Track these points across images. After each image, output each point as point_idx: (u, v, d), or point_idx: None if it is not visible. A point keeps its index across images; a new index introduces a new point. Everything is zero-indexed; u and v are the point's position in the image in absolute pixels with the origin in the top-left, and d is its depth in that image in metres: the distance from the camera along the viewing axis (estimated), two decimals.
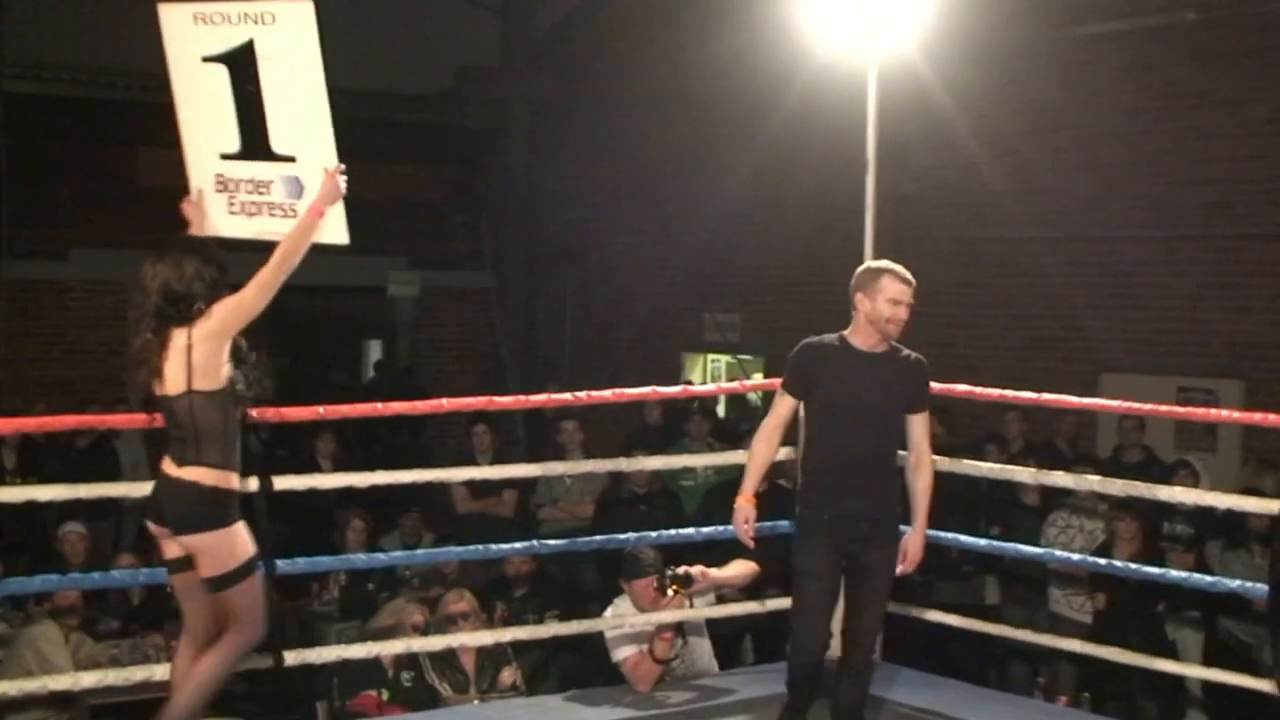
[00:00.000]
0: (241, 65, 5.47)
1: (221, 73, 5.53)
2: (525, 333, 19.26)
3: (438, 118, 18.82)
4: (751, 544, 6.25)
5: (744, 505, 6.07)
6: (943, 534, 6.73)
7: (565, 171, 19.02)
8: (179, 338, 5.10)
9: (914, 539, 6.01)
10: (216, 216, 5.70)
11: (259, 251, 5.28)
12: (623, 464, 8.76)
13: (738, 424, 13.62)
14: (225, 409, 5.16)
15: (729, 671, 7.62)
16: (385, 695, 7.48)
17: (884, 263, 6.06)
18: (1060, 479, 7.69)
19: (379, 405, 7.06)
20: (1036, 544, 9.35)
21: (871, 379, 5.93)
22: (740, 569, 7.36)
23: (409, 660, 7.51)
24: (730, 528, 7.47)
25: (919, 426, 6.04)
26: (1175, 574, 7.63)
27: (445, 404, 6.96)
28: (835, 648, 6.23)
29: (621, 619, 7.18)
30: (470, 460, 11.21)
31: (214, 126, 5.64)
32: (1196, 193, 12.89)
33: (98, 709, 7.84)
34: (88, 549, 9.67)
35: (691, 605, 7.21)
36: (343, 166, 5.41)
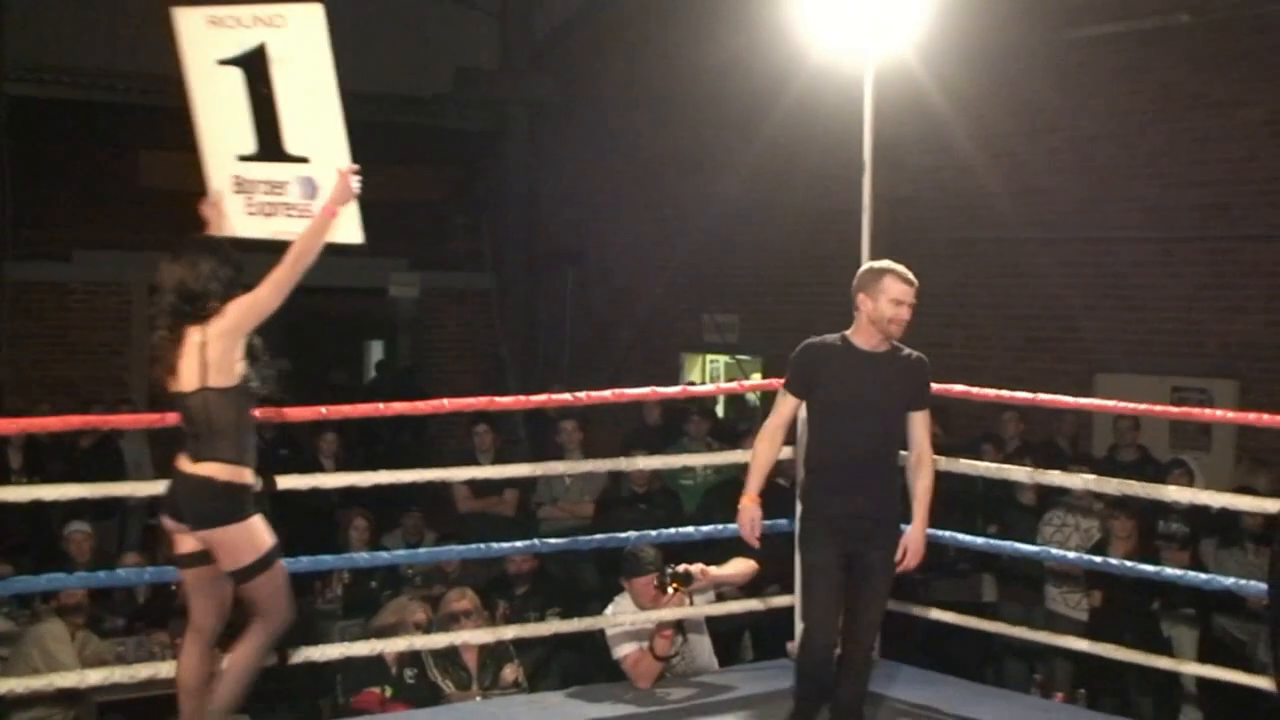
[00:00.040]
0: (255, 67, 5.51)
1: (236, 75, 5.57)
2: (525, 333, 19.25)
3: (437, 120, 18.84)
4: (757, 544, 6.22)
5: (749, 506, 6.02)
6: (940, 532, 6.73)
7: (564, 173, 19.01)
8: (194, 335, 5.15)
9: (915, 536, 5.99)
10: (235, 217, 5.74)
11: (273, 253, 5.32)
12: (622, 463, 8.78)
13: (736, 424, 13.65)
14: (239, 405, 5.20)
15: (728, 668, 7.64)
16: (388, 692, 7.49)
17: (886, 263, 6.03)
18: (1056, 478, 7.70)
19: (381, 405, 7.08)
20: (1033, 542, 9.34)
21: (873, 378, 5.91)
22: (739, 567, 7.39)
23: (412, 658, 7.52)
24: (729, 526, 7.52)
25: (920, 425, 6.03)
26: (1170, 572, 7.65)
27: (447, 404, 6.99)
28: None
29: (622, 617, 7.20)
30: (471, 460, 11.22)
31: (230, 129, 5.68)
32: (1192, 194, 12.89)
33: (104, 706, 7.86)
34: (93, 548, 9.68)
35: (691, 603, 7.23)
36: (356, 166, 5.44)
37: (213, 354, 5.13)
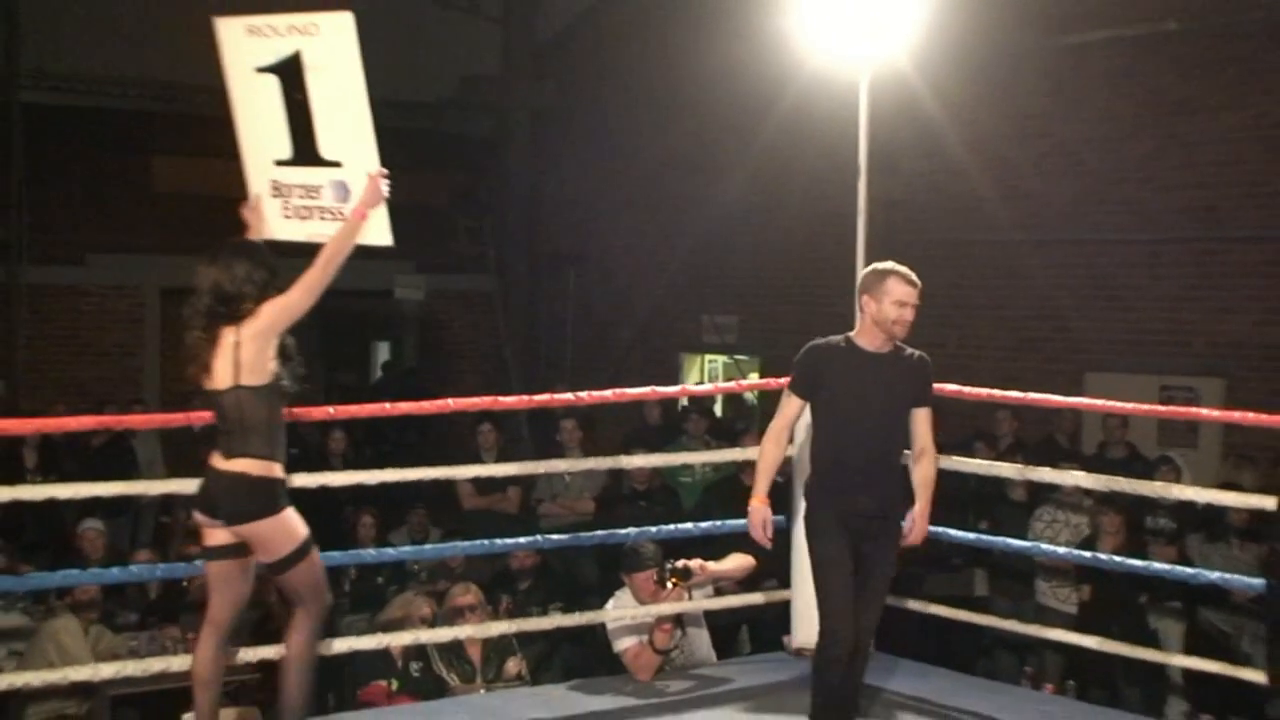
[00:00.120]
0: (290, 75, 5.57)
1: (273, 82, 5.63)
2: (527, 334, 19.26)
3: (441, 125, 18.85)
4: (769, 544, 6.15)
5: (759, 507, 5.92)
6: (933, 528, 6.74)
7: (566, 177, 19.02)
8: (228, 335, 5.20)
9: (919, 513, 5.89)
10: (272, 220, 5.81)
11: (306, 255, 5.39)
12: (623, 461, 8.79)
13: (734, 422, 13.66)
14: (270, 403, 5.25)
15: (726, 661, 7.65)
16: (394, 685, 7.50)
17: (889, 265, 5.93)
18: (1046, 475, 7.72)
19: (387, 405, 7.10)
20: (1024, 538, 9.36)
21: (877, 379, 5.85)
22: (737, 562, 7.38)
23: (417, 651, 7.53)
24: (728, 523, 7.56)
25: (923, 421, 5.96)
26: (1157, 566, 7.63)
27: (451, 404, 6.99)
28: None
29: (622, 611, 7.21)
30: (475, 458, 11.24)
31: (268, 134, 5.73)
32: (1179, 197, 12.92)
33: (117, 699, 7.88)
34: (106, 545, 9.70)
35: (690, 597, 7.24)
36: (385, 171, 5.50)
37: (246, 354, 5.18)
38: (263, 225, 5.80)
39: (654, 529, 7.48)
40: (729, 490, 10.47)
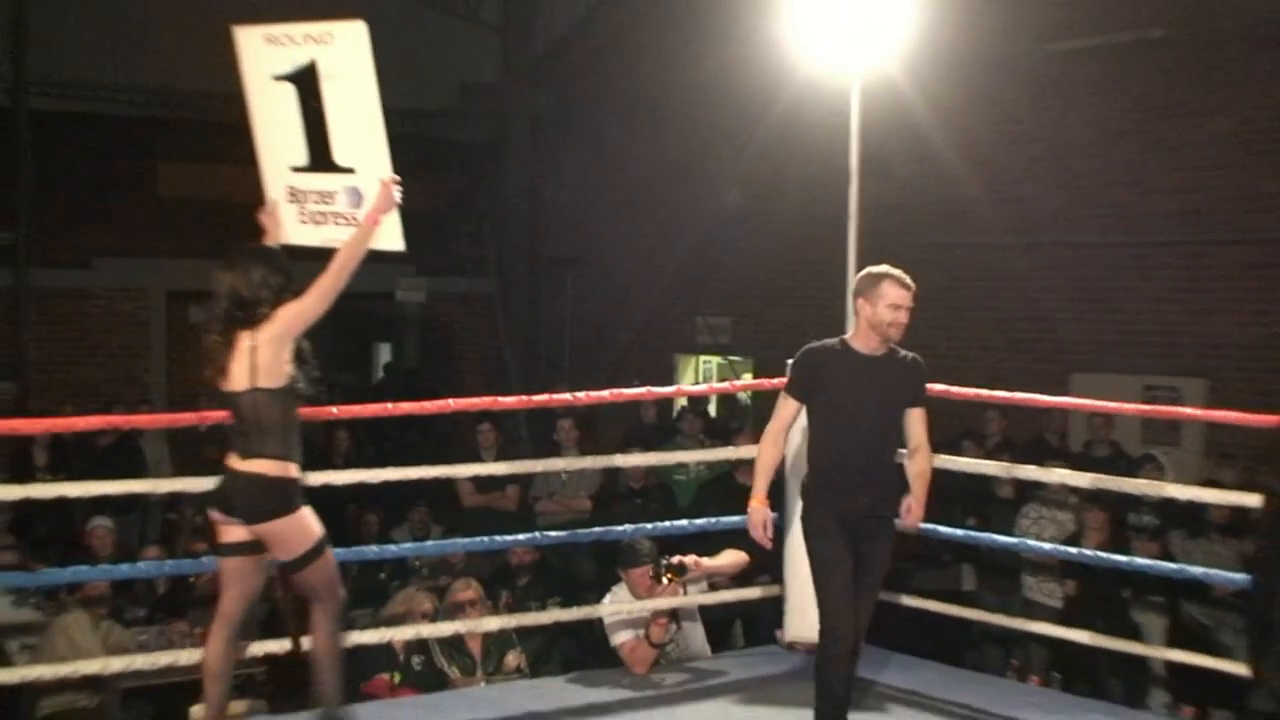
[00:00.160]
0: (306, 83, 5.61)
1: (290, 90, 5.67)
2: (526, 335, 19.25)
3: (442, 131, 18.85)
4: (770, 544, 6.14)
5: (759, 508, 5.86)
6: (923, 525, 6.77)
7: (563, 181, 19.04)
8: (245, 339, 5.25)
9: (916, 498, 5.87)
10: (289, 226, 5.85)
11: (319, 259, 5.45)
12: (619, 460, 8.81)
13: (728, 422, 13.69)
14: (285, 405, 5.30)
15: (720, 654, 7.70)
16: (397, 678, 7.51)
17: (884, 268, 5.89)
18: (1032, 473, 7.77)
19: (389, 405, 7.14)
20: (1011, 534, 9.38)
21: (873, 381, 5.81)
22: (731, 558, 7.44)
23: (419, 645, 7.52)
24: (722, 520, 7.60)
25: (917, 420, 5.94)
26: (1141, 562, 7.67)
27: (452, 404, 7.00)
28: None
29: (619, 606, 7.25)
30: (475, 457, 11.25)
31: (285, 141, 5.77)
32: (1164, 201, 12.96)
33: (128, 692, 7.91)
34: (115, 542, 9.71)
35: (685, 592, 7.29)
36: (397, 177, 5.54)
37: (263, 357, 5.23)
38: (279, 230, 5.85)
39: (650, 526, 7.53)
40: (723, 488, 10.51)
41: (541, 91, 19.23)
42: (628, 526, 7.56)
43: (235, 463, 5.33)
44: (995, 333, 14.17)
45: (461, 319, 19.82)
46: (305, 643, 6.12)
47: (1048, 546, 8.67)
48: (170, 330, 17.35)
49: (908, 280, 5.85)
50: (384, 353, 20.93)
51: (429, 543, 9.70)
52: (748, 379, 13.86)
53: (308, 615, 6.01)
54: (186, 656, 6.49)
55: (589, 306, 18.87)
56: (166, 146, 17.39)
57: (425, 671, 7.52)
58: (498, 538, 7.72)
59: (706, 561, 7.33)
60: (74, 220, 16.65)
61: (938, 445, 9.13)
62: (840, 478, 5.78)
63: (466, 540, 8.23)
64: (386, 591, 9.44)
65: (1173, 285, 12.94)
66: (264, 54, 5.72)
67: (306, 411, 6.69)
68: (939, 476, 6.20)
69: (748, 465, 10.28)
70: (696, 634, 7.53)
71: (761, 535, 5.88)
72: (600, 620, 7.35)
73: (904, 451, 6.00)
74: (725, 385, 10.93)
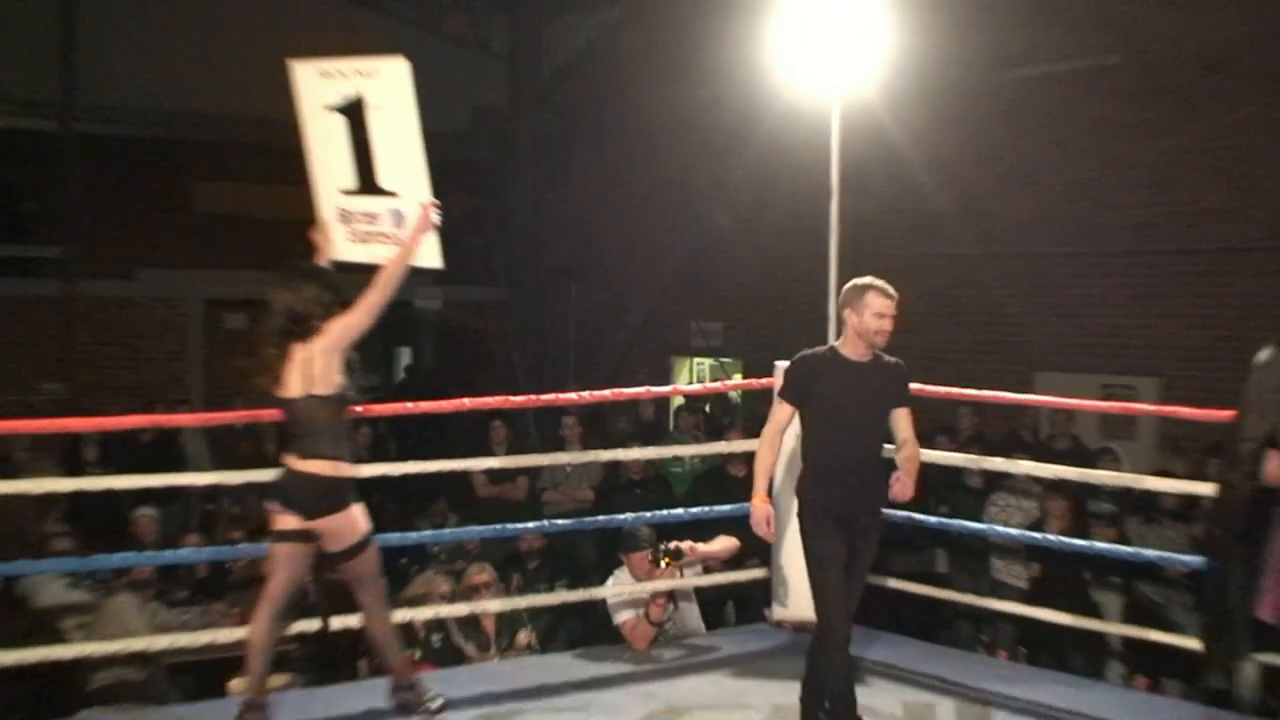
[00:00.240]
0: (354, 113, 5.67)
1: (340, 120, 5.72)
2: (533, 339, 19.26)
3: (455, 153, 18.83)
4: (772, 539, 6.10)
5: (760, 506, 5.76)
6: (899, 512, 6.79)
7: (567, 197, 19.03)
8: (300, 351, 5.34)
9: (906, 475, 5.73)
10: (339, 244, 5.91)
11: (363, 272, 5.56)
12: (620, 454, 8.82)
13: (720, 419, 13.70)
14: (337, 410, 5.39)
15: (714, 631, 7.70)
16: (417, 654, 7.49)
17: (868, 280, 5.84)
18: (999, 464, 7.79)
19: (409, 405, 7.16)
20: (980, 521, 9.41)
21: (862, 386, 5.76)
22: (724, 544, 7.45)
23: (437, 624, 7.54)
24: (715, 509, 7.62)
25: (903, 419, 5.88)
26: (1099, 546, 7.67)
27: (467, 403, 7.03)
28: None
29: (621, 587, 7.28)
30: (488, 451, 11.27)
31: (335, 166, 5.82)
32: (1120, 215, 12.97)
33: (172, 667, 7.93)
34: (159, 530, 9.73)
35: (681, 575, 7.30)
36: (436, 201, 5.59)
37: (316, 368, 5.32)
38: (330, 247, 5.90)
39: (648, 514, 7.54)
40: (716, 479, 10.53)
41: (546, 115, 19.24)
42: (628, 515, 7.57)
43: (293, 462, 5.40)
44: (965, 336, 14.16)
45: (474, 325, 19.82)
46: (334, 621, 6.17)
47: (1014, 532, 8.70)
48: (207, 335, 17.39)
49: (890, 290, 5.83)
50: (404, 356, 20.93)
51: (446, 530, 9.70)
52: (738, 379, 13.87)
53: (338, 599, 6.04)
54: (225, 635, 6.55)
55: (591, 312, 18.86)
56: (202, 167, 17.42)
57: (443, 648, 7.53)
58: (509, 526, 7.75)
59: (701, 547, 7.35)
60: (118, 235, 16.68)
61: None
62: (834, 476, 5.73)
63: (480, 528, 8.23)
64: (407, 575, 9.44)
65: (1127, 292, 12.95)
66: (317, 86, 5.78)
67: None
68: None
69: (738, 458, 10.33)
70: (692, 613, 7.55)
71: (765, 530, 5.81)
72: (604, 601, 7.38)
73: (891, 447, 5.96)
74: (717, 385, 10.92)
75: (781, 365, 6.86)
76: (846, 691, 5.62)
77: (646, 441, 11.55)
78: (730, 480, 10.33)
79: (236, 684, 7.13)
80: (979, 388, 7.86)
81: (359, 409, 5.86)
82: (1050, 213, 13.47)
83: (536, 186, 19.07)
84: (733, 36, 11.02)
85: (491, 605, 7.53)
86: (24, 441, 11.97)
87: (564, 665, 7.00)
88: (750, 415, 12.76)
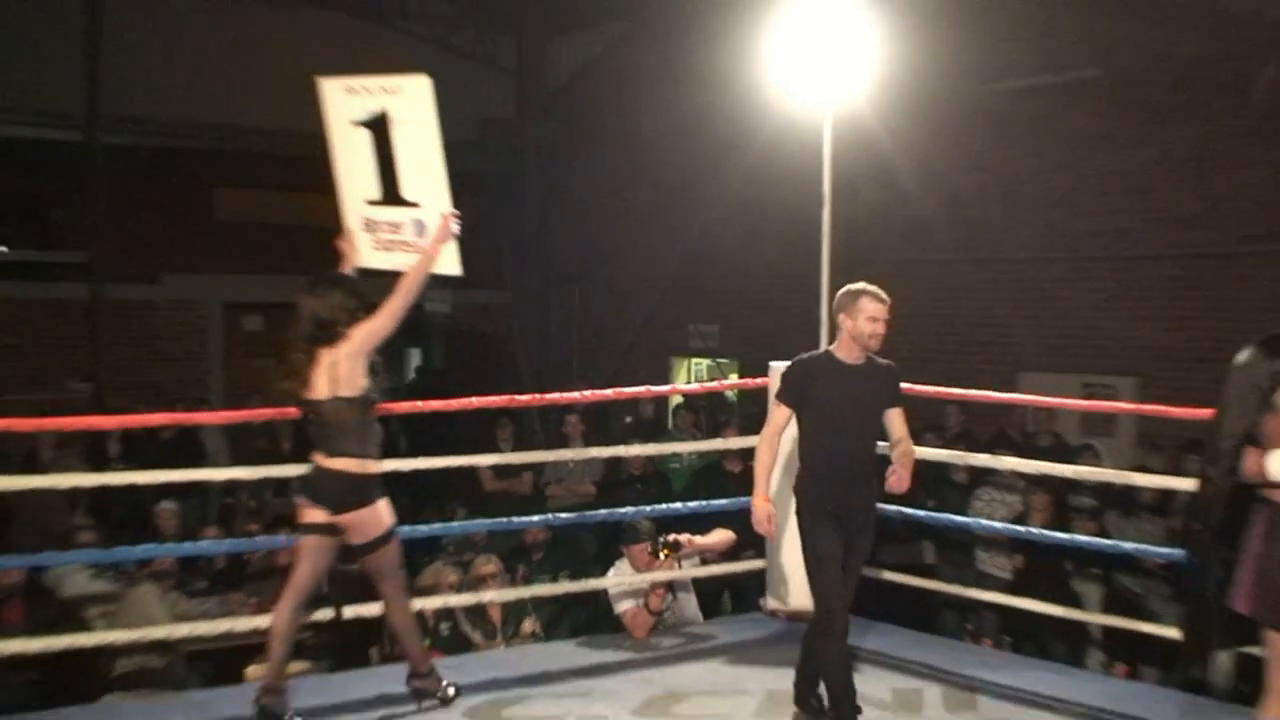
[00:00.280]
0: (379, 128, 5.68)
1: (365, 134, 5.74)
2: (539, 341, 19.27)
3: (464, 163, 18.72)
4: (774, 538, 6.08)
5: (762, 505, 5.69)
6: (887, 506, 6.76)
7: (571, 205, 19.02)
8: (326, 356, 5.34)
9: (902, 467, 5.71)
10: (364, 251, 5.91)
11: (383, 277, 5.59)
12: (620, 450, 8.81)
13: (717, 417, 13.68)
14: (362, 410, 5.40)
15: (711, 620, 7.68)
16: (427, 642, 7.48)
17: (861, 285, 5.78)
18: (984, 460, 7.76)
19: (420, 403, 7.14)
20: (966, 514, 9.39)
21: (858, 388, 5.70)
22: (720, 537, 7.43)
23: (446, 613, 7.53)
24: (712, 503, 7.60)
25: (897, 417, 5.82)
26: (1080, 538, 7.68)
27: (475, 402, 7.02)
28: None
29: (621, 578, 7.26)
30: (494, 448, 11.25)
31: (361, 178, 5.83)
32: (1098, 222, 12.97)
33: (191, 654, 7.91)
34: (179, 523, 9.71)
35: (679, 566, 7.29)
36: (456, 212, 5.60)
37: (342, 371, 5.32)
38: (355, 255, 5.91)
39: (648, 508, 7.54)
40: (713, 475, 10.50)
41: (551, 126, 19.22)
42: (629, 509, 7.57)
43: (321, 460, 5.41)
44: (951, 337, 14.14)
45: (482, 327, 19.80)
46: (347, 611, 6.14)
47: (998, 525, 8.69)
48: (226, 337, 17.39)
49: (883, 295, 5.78)
50: (415, 357, 20.92)
51: (455, 523, 9.67)
52: (734, 379, 13.84)
53: (350, 589, 6.01)
54: (242, 623, 6.51)
55: (593, 315, 18.87)
56: (222, 175, 17.41)
57: (451, 636, 7.52)
58: (514, 519, 7.71)
59: (698, 539, 7.33)
60: (141, 241, 16.67)
61: None
62: (832, 476, 5.66)
63: (487, 521, 8.20)
64: (417, 566, 9.41)
65: (1105, 295, 12.93)
66: (343, 102, 5.79)
67: None
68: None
69: (734, 454, 10.32)
70: (690, 603, 7.54)
71: (768, 528, 5.74)
72: (605, 591, 7.36)
73: (885, 444, 5.91)
74: (714, 384, 10.89)
75: (776, 365, 6.86)
76: (847, 681, 5.58)
77: (646, 439, 11.51)
78: (726, 476, 10.30)
79: (253, 670, 7.12)
80: (965, 387, 7.83)
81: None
82: (1032, 220, 13.47)
83: (542, 194, 19.06)
84: (729, 51, 11.01)
85: (498, 595, 7.51)
86: (51, 438, 11.93)
87: (567, 653, 6.99)
88: (745, 414, 12.74)
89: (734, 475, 10.27)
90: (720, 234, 16.37)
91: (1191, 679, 7.54)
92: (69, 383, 15.90)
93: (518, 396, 7.48)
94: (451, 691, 5.90)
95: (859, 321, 5.70)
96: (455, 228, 5.62)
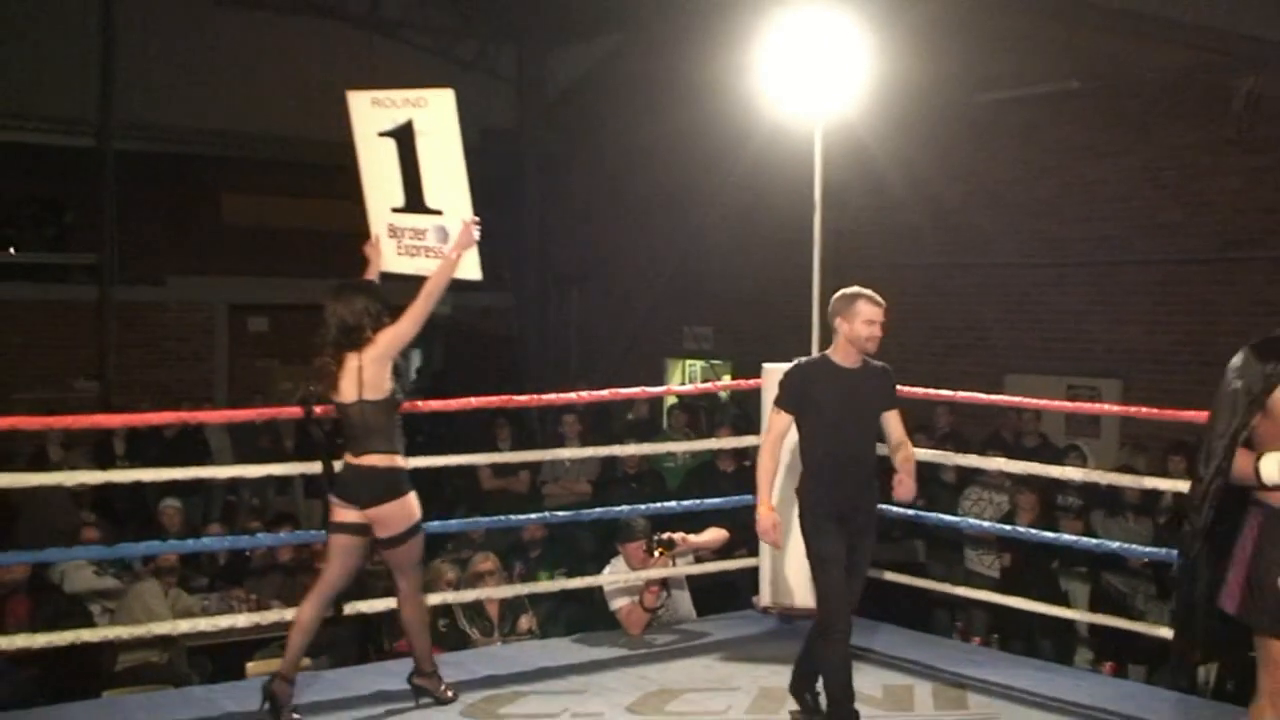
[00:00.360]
0: (404, 139, 5.72)
1: (391, 144, 5.77)
2: (537, 342, 19.22)
3: (467, 170, 18.76)
4: (779, 546, 5.96)
5: (767, 515, 5.55)
6: (879, 506, 6.69)
7: (570, 210, 18.99)
8: (352, 360, 5.33)
9: (906, 475, 5.61)
10: (388, 257, 5.94)
11: (405, 281, 5.64)
12: (616, 450, 8.74)
13: (711, 417, 13.61)
14: (387, 411, 5.39)
15: (704, 618, 7.57)
16: None
17: (856, 289, 5.66)
18: (972, 460, 7.68)
19: (420, 403, 7.04)
20: (955, 513, 9.35)
21: (855, 391, 5.60)
22: (714, 535, 7.37)
23: (444, 610, 7.46)
24: (706, 501, 7.52)
25: (894, 419, 5.73)
26: (1067, 537, 7.63)
27: (474, 402, 6.95)
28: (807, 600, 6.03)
29: (617, 576, 7.19)
30: (493, 447, 11.20)
31: (386, 186, 5.87)
32: (1080, 228, 12.93)
33: (192, 650, 7.84)
34: (182, 520, 9.66)
35: (674, 564, 7.22)
36: (478, 219, 5.62)
37: (368, 375, 5.32)
38: (380, 260, 5.93)
39: (643, 507, 7.48)
40: (706, 474, 10.44)
41: (551, 135, 19.18)
42: (624, 507, 7.49)
43: (350, 459, 5.41)
44: (938, 340, 14.08)
45: (482, 328, 19.72)
46: (346, 607, 6.05)
47: (987, 524, 8.65)
48: (231, 338, 17.36)
49: (878, 298, 5.67)
50: (415, 358, 20.85)
51: (453, 521, 9.57)
52: (727, 380, 13.74)
53: (349, 587, 5.91)
54: (243, 620, 6.48)
55: (591, 317, 18.84)
56: (229, 180, 17.34)
57: (450, 632, 7.46)
58: (512, 517, 7.65)
59: (693, 538, 7.27)
60: (149, 244, 16.62)
61: None
62: (833, 479, 5.54)
63: (485, 519, 8.11)
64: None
65: (1088, 299, 12.89)
66: (370, 114, 5.84)
67: None
68: (889, 463, 6.08)
69: (727, 454, 10.25)
70: (684, 600, 7.46)
71: (774, 537, 5.61)
72: (601, 588, 7.28)
73: (884, 447, 5.81)
74: (708, 385, 10.81)
75: (769, 367, 6.80)
76: (846, 682, 5.49)
77: (641, 438, 11.43)
78: (720, 475, 10.22)
79: (255, 666, 7.03)
80: (953, 389, 7.74)
81: None
82: (1017, 226, 13.42)
83: (542, 200, 19.02)
84: (724, 63, 10.96)
85: (495, 592, 7.45)
86: (59, 437, 11.85)
87: (563, 649, 6.92)
88: (739, 414, 12.68)
89: (727, 474, 10.20)
90: (714, 238, 16.33)
91: (1178, 675, 7.45)
92: (76, 382, 15.84)
93: (516, 396, 7.43)
94: (450, 695, 5.86)
95: (856, 325, 5.59)
96: (476, 234, 5.64)
